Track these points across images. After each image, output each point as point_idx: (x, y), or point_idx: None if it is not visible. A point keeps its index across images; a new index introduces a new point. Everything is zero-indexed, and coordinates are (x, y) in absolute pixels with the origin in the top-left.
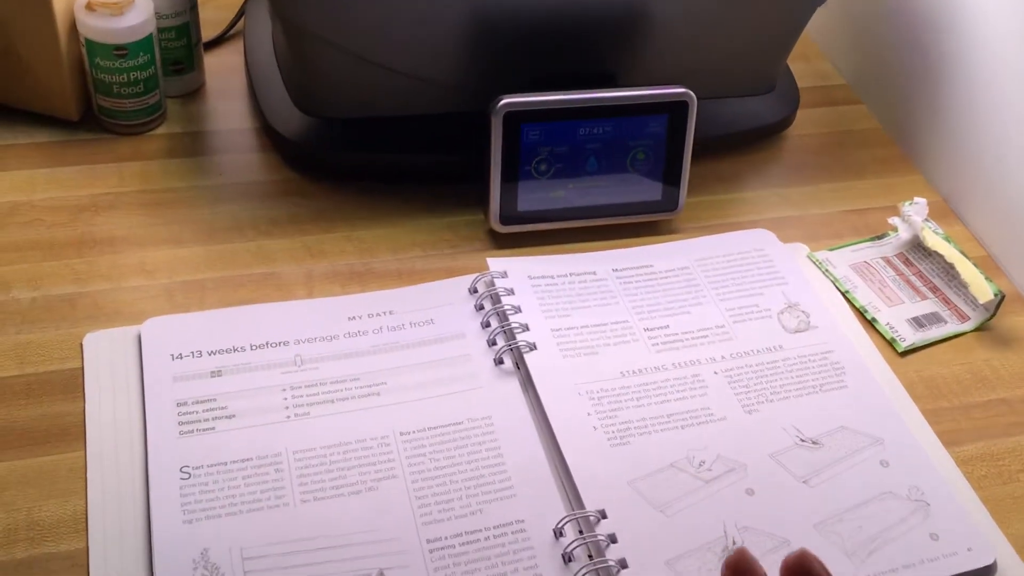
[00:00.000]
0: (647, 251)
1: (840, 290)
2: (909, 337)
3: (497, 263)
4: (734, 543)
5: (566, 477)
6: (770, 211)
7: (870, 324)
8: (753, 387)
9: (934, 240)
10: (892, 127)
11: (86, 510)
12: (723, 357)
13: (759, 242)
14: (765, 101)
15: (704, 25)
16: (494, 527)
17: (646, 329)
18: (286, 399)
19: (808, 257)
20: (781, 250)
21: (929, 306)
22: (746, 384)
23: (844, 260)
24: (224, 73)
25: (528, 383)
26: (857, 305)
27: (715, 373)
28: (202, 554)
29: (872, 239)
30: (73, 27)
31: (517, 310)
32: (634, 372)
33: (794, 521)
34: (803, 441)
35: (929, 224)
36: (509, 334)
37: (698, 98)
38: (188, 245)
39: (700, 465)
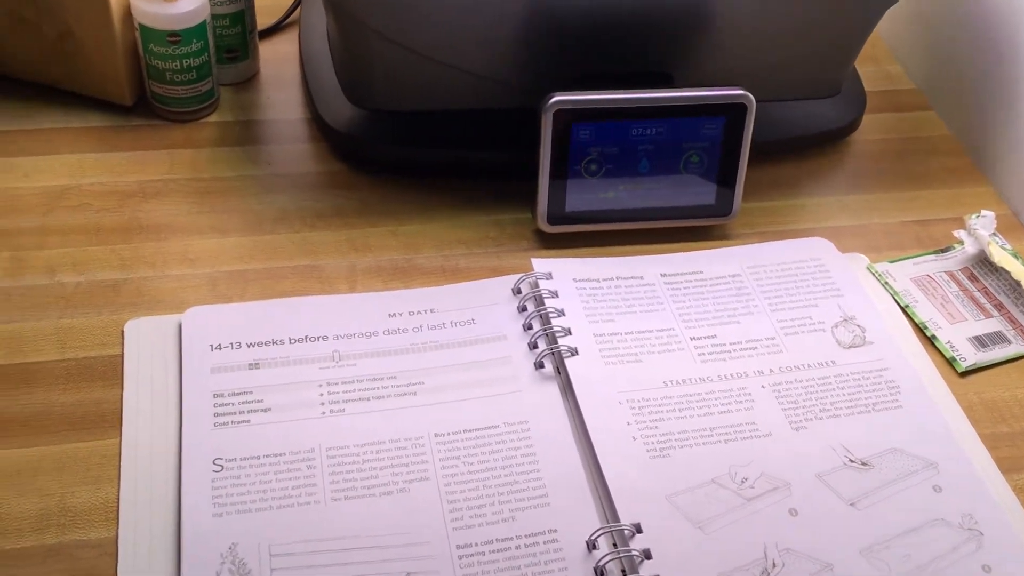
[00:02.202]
0: (697, 256)
1: (900, 304)
2: (970, 357)
3: (542, 264)
4: (774, 566)
5: (602, 488)
6: (829, 219)
7: (929, 341)
8: (802, 403)
9: (1001, 255)
10: (963, 135)
11: (118, 498)
12: (772, 370)
13: (816, 251)
14: (829, 104)
15: (767, 25)
16: (526, 535)
17: (692, 338)
18: (322, 395)
19: (867, 269)
20: (839, 260)
21: (993, 324)
22: (794, 400)
23: (905, 273)
24: (278, 62)
25: (568, 389)
26: (917, 321)
27: (762, 387)
28: (230, 548)
29: (936, 252)
30: (128, 12)
31: (560, 313)
32: (678, 382)
33: (839, 545)
34: (852, 462)
35: (996, 239)
36: (551, 338)
37: (758, 100)
38: (233, 235)
39: (742, 482)
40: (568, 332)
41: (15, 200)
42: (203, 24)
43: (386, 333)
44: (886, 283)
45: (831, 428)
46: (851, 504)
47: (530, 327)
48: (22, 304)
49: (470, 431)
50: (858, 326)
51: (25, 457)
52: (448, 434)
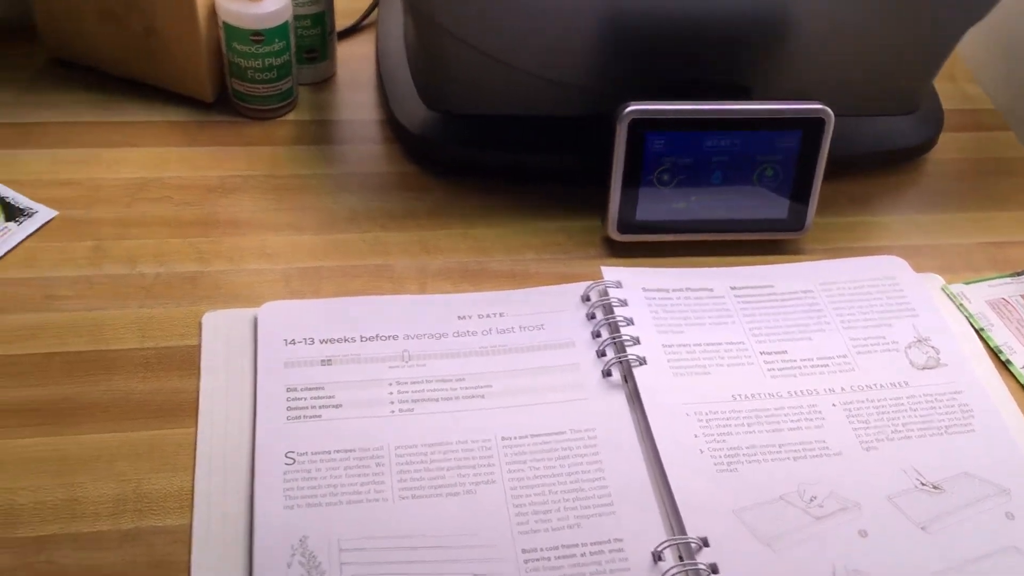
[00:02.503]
0: (769, 271)
1: (974, 327)
2: None
3: (612, 272)
4: None
5: (668, 499)
6: (903, 238)
7: (1004, 366)
8: (873, 423)
9: None
10: None
11: (192, 487)
12: (843, 389)
13: (890, 270)
14: (906, 121)
15: (848, 40)
16: (591, 543)
17: (762, 353)
18: (391, 393)
19: (942, 290)
20: (913, 280)
21: None
22: (866, 419)
23: (980, 295)
24: (355, 62)
25: (635, 398)
26: (992, 345)
27: (833, 405)
28: (300, 541)
29: (1012, 275)
30: (213, 11)
31: (629, 322)
32: (747, 397)
33: (909, 569)
34: (923, 485)
35: None
36: (619, 346)
37: (835, 115)
38: (308, 232)
39: (811, 500)
40: (636, 341)
41: (99, 191)
42: (286, 24)
43: (455, 335)
44: (961, 305)
45: (902, 450)
46: (922, 528)
47: (598, 335)
48: (104, 293)
49: (537, 436)
50: (932, 347)
51: (104, 442)
52: (515, 438)
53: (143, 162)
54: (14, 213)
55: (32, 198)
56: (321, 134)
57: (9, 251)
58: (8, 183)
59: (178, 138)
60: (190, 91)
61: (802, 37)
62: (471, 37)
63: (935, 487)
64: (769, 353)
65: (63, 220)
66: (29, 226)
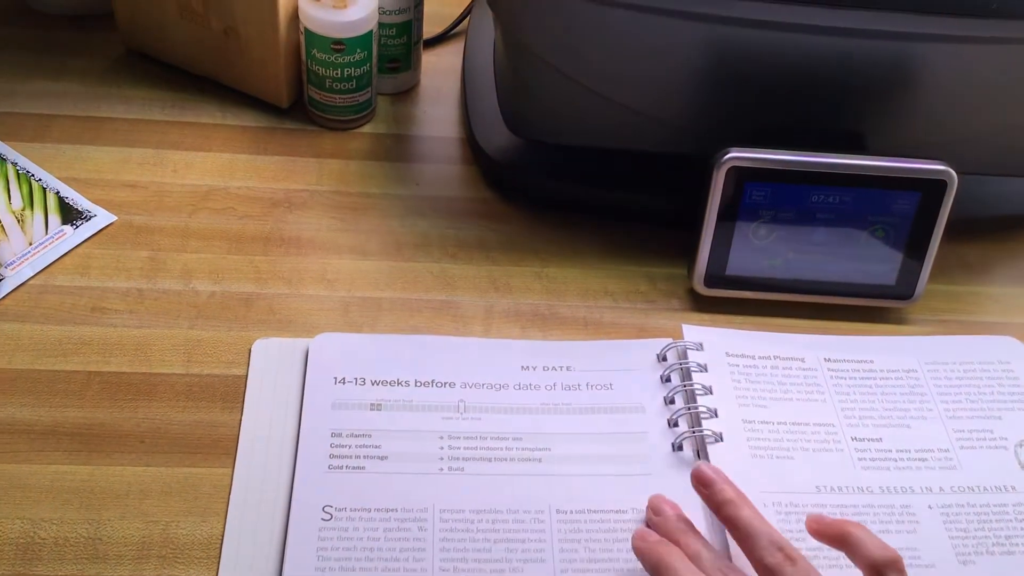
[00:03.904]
0: (869, 343)
1: None
2: None
3: (693, 332)
4: None
5: None
6: (1021, 314)
7: None
8: (973, 532)
9: None
10: None
11: (222, 535)
12: (942, 489)
13: (1005, 352)
14: None
15: (976, 91)
16: None
17: (854, 439)
18: (442, 448)
19: None
20: None
21: None
22: (965, 527)
23: None
24: (441, 74)
25: None
26: None
27: (929, 507)
28: None
29: None
30: (295, 15)
31: (708, 391)
32: (833, 489)
33: None
34: None
35: None
36: (694, 418)
37: (958, 173)
38: (373, 258)
39: None
40: (714, 414)
41: (163, 197)
42: (369, 34)
43: (517, 388)
44: None
45: (1004, 567)
46: None
47: (672, 401)
48: (155, 309)
49: (595, 512)
50: None
51: (136, 477)
52: (571, 512)
53: (210, 168)
54: (72, 216)
55: (93, 199)
56: (396, 150)
57: (62, 256)
58: (70, 181)
59: (248, 144)
60: (265, 95)
61: (925, 84)
62: (561, 63)
63: None
64: (861, 440)
65: (121, 225)
66: (85, 231)
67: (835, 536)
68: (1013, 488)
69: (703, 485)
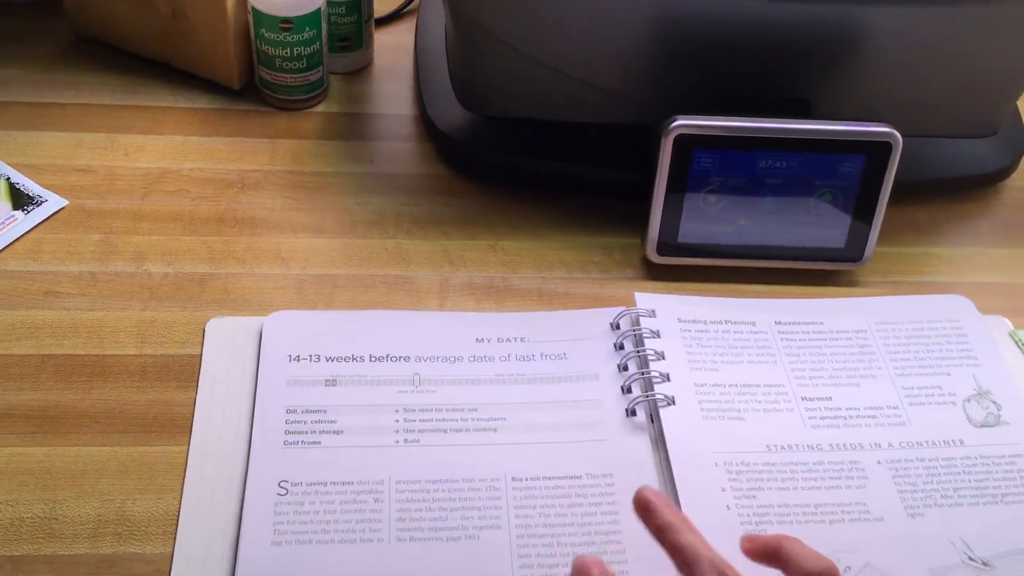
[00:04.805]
0: (819, 305)
1: None
2: None
3: (646, 299)
4: None
5: None
6: (971, 273)
7: None
8: (921, 486)
9: None
10: None
11: (178, 512)
12: (891, 445)
13: (953, 310)
14: (983, 145)
15: (921, 54)
16: None
17: (804, 398)
18: (397, 421)
19: (1009, 335)
20: (978, 323)
21: None
22: (913, 481)
23: None
24: (393, 52)
25: (660, 442)
26: None
27: (878, 463)
28: None
29: None
30: None
31: (660, 356)
32: (783, 448)
33: None
34: (971, 560)
35: None
36: (647, 383)
37: (904, 136)
38: (327, 236)
39: (845, 571)
40: (666, 378)
41: (115, 180)
42: (318, 12)
43: (471, 360)
44: None
45: (951, 518)
46: None
47: (625, 368)
48: (108, 291)
49: (550, 479)
50: (993, 402)
51: (91, 456)
52: (526, 479)
53: (163, 151)
54: (23, 201)
55: (44, 184)
56: (350, 128)
57: (13, 242)
58: (21, 167)
59: (201, 126)
60: (216, 77)
61: (870, 49)
62: (512, 38)
63: (985, 563)
64: (811, 399)
65: (73, 210)
66: (36, 216)
67: (769, 553)
68: (961, 442)
69: (644, 510)
